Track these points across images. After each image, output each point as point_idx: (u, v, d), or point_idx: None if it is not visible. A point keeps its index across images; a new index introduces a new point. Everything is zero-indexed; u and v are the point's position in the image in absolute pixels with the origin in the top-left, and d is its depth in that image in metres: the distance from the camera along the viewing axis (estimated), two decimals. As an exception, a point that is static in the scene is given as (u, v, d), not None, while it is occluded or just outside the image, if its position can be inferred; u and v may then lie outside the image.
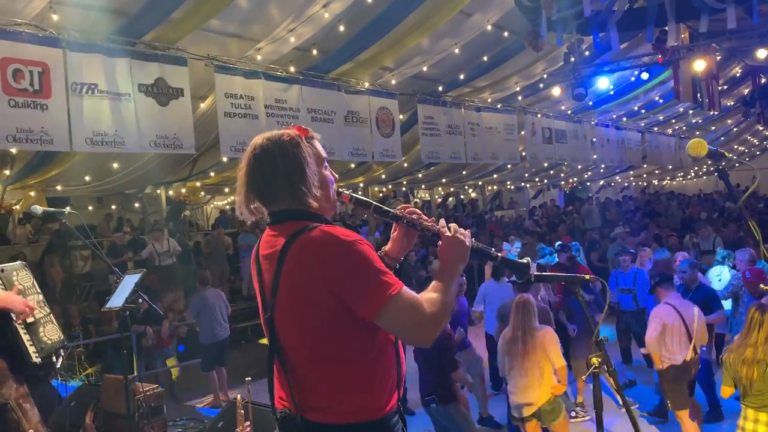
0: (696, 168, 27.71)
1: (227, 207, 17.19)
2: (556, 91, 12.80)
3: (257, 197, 1.97)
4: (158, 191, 13.42)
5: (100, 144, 6.78)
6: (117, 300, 3.59)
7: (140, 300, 3.73)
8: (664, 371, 5.39)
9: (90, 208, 14.75)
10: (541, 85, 12.81)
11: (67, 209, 3.91)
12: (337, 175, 2.14)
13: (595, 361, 2.02)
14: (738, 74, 16.17)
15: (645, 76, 13.15)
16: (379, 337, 1.89)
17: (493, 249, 2.13)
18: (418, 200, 22.33)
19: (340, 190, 2.10)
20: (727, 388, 4.26)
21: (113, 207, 15.16)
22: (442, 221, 2.06)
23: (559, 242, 9.86)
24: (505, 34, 9.91)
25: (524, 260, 2.08)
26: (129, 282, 3.64)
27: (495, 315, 7.34)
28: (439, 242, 2.03)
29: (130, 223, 14.31)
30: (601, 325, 2.10)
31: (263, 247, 1.99)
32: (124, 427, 3.76)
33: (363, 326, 1.84)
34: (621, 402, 2.02)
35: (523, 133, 13.87)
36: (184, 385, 8.37)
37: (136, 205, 15.34)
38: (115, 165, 10.03)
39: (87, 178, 10.79)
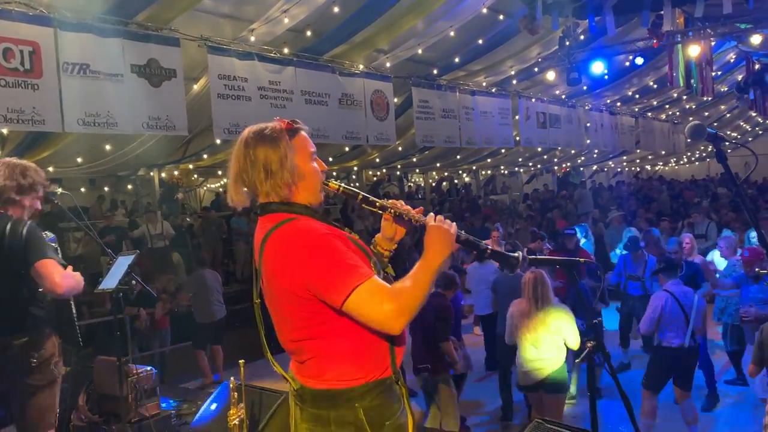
0: (689, 153, 27.78)
1: (221, 190, 17.14)
2: (550, 75, 12.75)
3: (243, 187, 2.07)
4: (151, 173, 13.33)
5: (92, 125, 6.72)
6: (110, 281, 3.58)
7: (134, 282, 3.72)
8: (656, 350, 5.46)
9: (82, 189, 14.64)
10: (536, 69, 12.76)
11: (59, 190, 3.88)
12: (326, 166, 2.18)
13: (589, 344, 2.04)
14: (732, 60, 16.16)
15: (639, 61, 13.12)
16: None
17: (483, 241, 2.12)
18: (412, 184, 22.33)
19: (327, 180, 2.15)
20: (754, 367, 4.40)
21: (106, 189, 15.07)
22: (431, 214, 2.09)
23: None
24: (501, 17, 9.86)
25: (515, 254, 2.07)
26: (122, 263, 3.63)
27: (482, 296, 7.40)
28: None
29: (124, 204, 14.24)
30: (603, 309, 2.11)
31: (256, 235, 2.10)
32: (117, 409, 3.77)
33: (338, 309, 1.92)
34: (616, 385, 2.05)
35: (517, 117, 13.83)
36: (174, 368, 8.39)
37: (129, 187, 15.26)
38: (108, 147, 9.95)
39: (79, 160, 10.70)
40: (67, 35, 6.40)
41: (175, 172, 14.28)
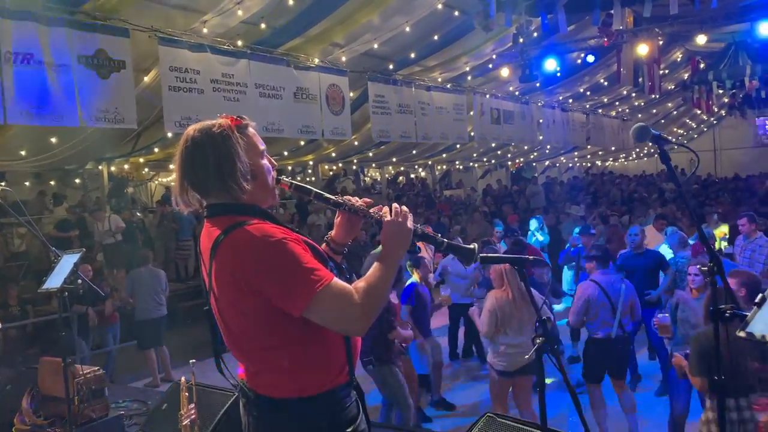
0: (637, 149, 28.54)
1: (172, 184, 16.77)
2: (504, 71, 12.92)
3: (192, 189, 1.96)
4: (100, 167, 12.97)
5: (37, 117, 6.50)
6: (55, 280, 3.46)
7: (79, 281, 3.61)
8: (586, 343, 5.60)
9: (27, 183, 14.13)
10: (491, 66, 12.90)
11: (2, 184, 3.73)
12: (276, 163, 2.10)
13: (538, 340, 2.08)
14: (678, 59, 16.66)
15: (591, 58, 13.39)
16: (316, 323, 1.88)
17: (439, 234, 2.11)
18: (368, 179, 22.32)
19: (279, 177, 2.08)
20: (700, 380, 4.30)
21: (52, 183, 14.57)
22: (385, 208, 2.04)
23: (501, 224, 10.06)
24: (456, 13, 9.91)
25: (470, 246, 2.07)
26: (68, 262, 3.52)
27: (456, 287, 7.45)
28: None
29: (66, 200, 13.78)
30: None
31: (202, 239, 1.99)
32: (63, 411, 3.66)
33: (296, 317, 1.85)
34: (564, 379, 2.10)
35: (472, 113, 13.97)
36: (124, 366, 8.23)
37: (77, 181, 14.80)
38: (54, 139, 9.63)
39: (23, 153, 10.34)
40: (10, 23, 6.16)
41: (125, 166, 13.91)
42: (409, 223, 1.99)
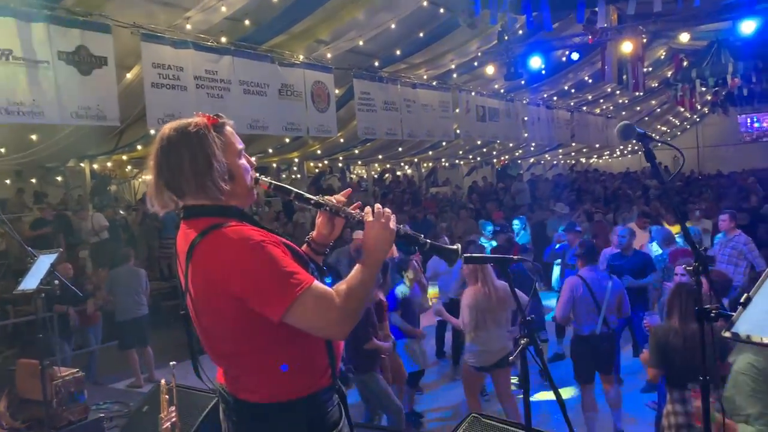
0: (621, 147, 28.73)
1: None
2: (490, 69, 12.93)
3: (167, 189, 1.90)
4: (82, 164, 12.81)
5: (16, 114, 6.40)
6: (30, 281, 3.39)
7: (56, 281, 3.54)
8: (572, 341, 5.61)
9: (7, 181, 13.92)
10: (476, 63, 12.91)
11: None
12: (255, 163, 2.06)
13: (522, 341, 2.07)
14: (662, 57, 16.76)
15: (575, 56, 13.44)
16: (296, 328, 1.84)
17: (422, 235, 2.05)
18: (354, 176, 22.25)
19: (258, 177, 2.02)
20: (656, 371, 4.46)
21: (33, 181, 14.37)
22: (367, 208, 1.99)
23: (490, 224, 10.04)
24: (441, 10, 9.90)
25: (454, 246, 2.04)
26: (44, 262, 3.44)
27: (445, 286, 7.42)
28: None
29: (47, 199, 13.58)
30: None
31: (179, 241, 1.94)
32: (40, 414, 3.59)
33: (275, 322, 1.80)
34: (547, 379, 2.09)
35: (457, 110, 13.97)
36: (107, 366, 8.13)
37: (59, 179, 14.60)
38: (34, 137, 9.49)
39: (2, 150, 10.19)
40: (-13, 19, 6.06)
41: (108, 164, 13.75)
42: (392, 224, 1.95)
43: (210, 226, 1.83)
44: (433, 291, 6.94)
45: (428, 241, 2.01)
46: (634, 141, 2.23)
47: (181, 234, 1.93)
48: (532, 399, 2.18)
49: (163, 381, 2.88)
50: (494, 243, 8.75)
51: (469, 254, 2.22)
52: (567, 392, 6.32)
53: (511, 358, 2.12)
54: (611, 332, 5.52)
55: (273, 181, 2.08)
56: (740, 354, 3.06)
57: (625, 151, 30.57)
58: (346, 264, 7.68)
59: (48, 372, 3.56)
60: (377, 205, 1.98)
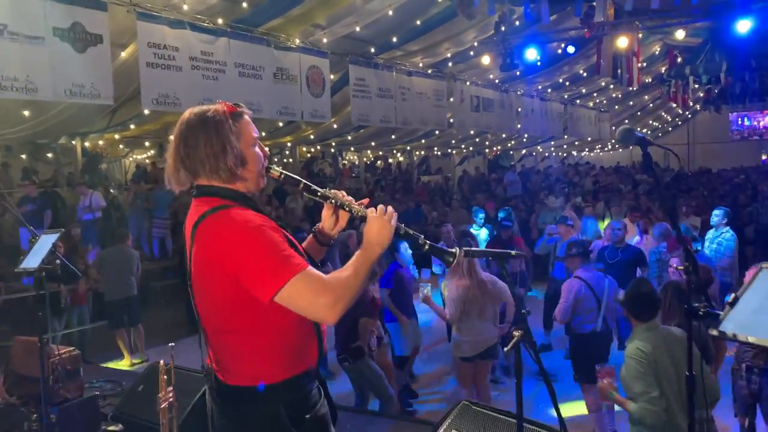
0: (612, 141, 28.83)
1: (147, 161, 16.54)
2: (485, 59, 12.92)
3: (183, 169, 2.01)
4: (73, 142, 12.73)
5: (9, 89, 6.35)
6: (33, 260, 3.41)
7: (57, 261, 3.56)
8: (572, 339, 5.68)
9: (-3, 156, 13.81)
10: (472, 53, 12.89)
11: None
12: (268, 152, 2.15)
13: (516, 333, 2.12)
14: (657, 52, 16.82)
15: (571, 49, 13.46)
16: (285, 310, 1.91)
17: (422, 236, 2.11)
18: (346, 162, 22.25)
19: (269, 166, 2.12)
20: None
21: (23, 156, 14.26)
22: (372, 209, 2.07)
23: (482, 210, 10.06)
24: (439, -1, 9.88)
25: (452, 249, 2.10)
26: (46, 242, 3.46)
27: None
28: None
29: (37, 175, 13.45)
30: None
31: (188, 217, 2.04)
32: (36, 391, 3.62)
33: (263, 303, 1.89)
34: (540, 371, 2.15)
35: (451, 99, 13.98)
36: (97, 345, 8.14)
37: (50, 155, 14.50)
38: (26, 112, 9.43)
39: (-7, 125, 10.11)
40: (-18, -7, 6.01)
41: (100, 142, 13.67)
42: (393, 222, 2.02)
43: (217, 206, 1.95)
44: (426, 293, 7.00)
45: (427, 242, 2.09)
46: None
47: (193, 210, 2.03)
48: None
49: (161, 362, 2.92)
50: (485, 231, 8.76)
51: (468, 248, 2.26)
52: (569, 408, 6.20)
53: (506, 349, 2.17)
54: (608, 330, 5.61)
55: (284, 171, 2.16)
56: (632, 341, 3.36)
57: (617, 146, 30.68)
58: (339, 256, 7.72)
59: (46, 349, 3.60)
60: (380, 206, 2.05)
